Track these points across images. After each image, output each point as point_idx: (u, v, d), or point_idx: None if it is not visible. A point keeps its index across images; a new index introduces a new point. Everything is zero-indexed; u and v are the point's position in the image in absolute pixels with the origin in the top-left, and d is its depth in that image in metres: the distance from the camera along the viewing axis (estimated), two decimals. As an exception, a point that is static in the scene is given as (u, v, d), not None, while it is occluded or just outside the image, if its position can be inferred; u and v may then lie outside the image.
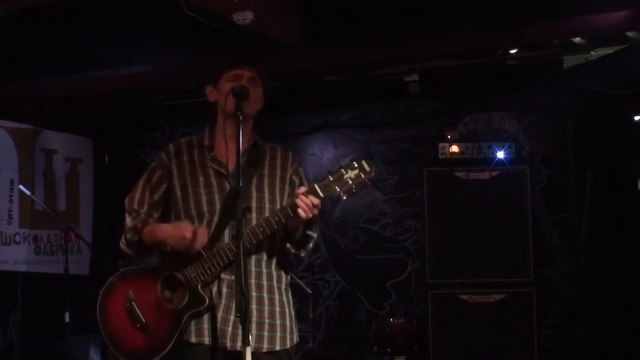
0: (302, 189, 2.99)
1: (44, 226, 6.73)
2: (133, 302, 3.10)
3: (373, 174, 2.97)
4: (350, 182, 2.95)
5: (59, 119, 6.95)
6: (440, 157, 5.89)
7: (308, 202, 2.93)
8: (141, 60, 6.02)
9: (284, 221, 2.98)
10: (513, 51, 6.02)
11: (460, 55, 6.10)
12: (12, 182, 6.57)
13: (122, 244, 3.22)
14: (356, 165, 2.95)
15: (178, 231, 3.01)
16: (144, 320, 3.08)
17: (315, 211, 2.97)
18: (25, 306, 6.61)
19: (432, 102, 6.66)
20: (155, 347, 3.05)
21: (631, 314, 5.50)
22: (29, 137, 6.76)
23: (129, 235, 3.17)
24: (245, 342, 2.75)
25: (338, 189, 2.95)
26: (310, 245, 3.17)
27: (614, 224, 5.82)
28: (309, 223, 3.05)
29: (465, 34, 5.39)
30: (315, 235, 3.16)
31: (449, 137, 5.96)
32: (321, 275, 6.76)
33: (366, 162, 2.96)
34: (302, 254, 3.16)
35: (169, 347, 3.03)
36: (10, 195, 6.57)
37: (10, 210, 6.58)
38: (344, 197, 2.99)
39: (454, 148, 5.87)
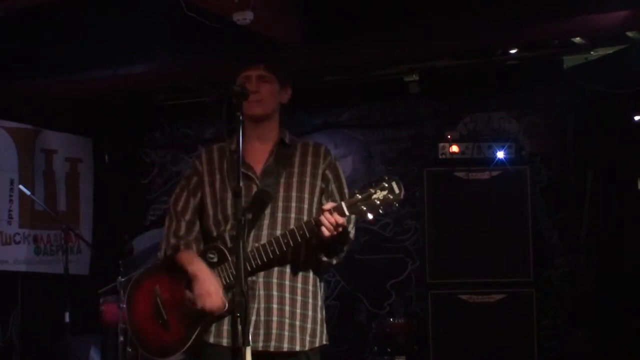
0: (328, 205, 2.92)
1: (44, 226, 6.73)
2: (158, 298, 3.12)
3: (402, 197, 2.91)
4: (378, 202, 2.89)
5: (59, 119, 6.95)
6: (440, 157, 5.88)
7: (332, 220, 2.89)
8: (141, 60, 6.02)
9: (308, 235, 2.96)
10: (513, 51, 6.02)
11: (460, 55, 6.09)
12: (12, 182, 6.57)
13: (160, 256, 3.25)
14: (386, 185, 2.90)
15: (203, 287, 3.02)
16: (165, 317, 3.10)
17: (340, 229, 2.91)
18: (25, 306, 6.61)
19: (432, 102, 6.66)
20: (174, 345, 3.08)
21: (631, 314, 5.50)
22: (29, 137, 6.76)
23: (169, 252, 3.19)
24: (245, 342, 2.75)
25: (365, 209, 2.89)
26: (342, 255, 3.12)
27: (614, 224, 5.82)
28: (342, 235, 2.99)
29: (465, 34, 5.39)
30: (348, 244, 3.11)
31: (449, 137, 5.96)
32: (321, 275, 6.76)
33: (396, 183, 2.91)
34: (334, 262, 3.12)
35: (186, 347, 3.05)
36: (10, 195, 6.57)
37: (10, 210, 6.58)
38: (370, 217, 2.94)
39: (454, 148, 5.86)
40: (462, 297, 5.70)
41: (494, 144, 5.82)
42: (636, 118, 5.68)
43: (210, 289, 3.01)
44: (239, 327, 2.85)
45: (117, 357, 5.52)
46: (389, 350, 5.85)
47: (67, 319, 5.61)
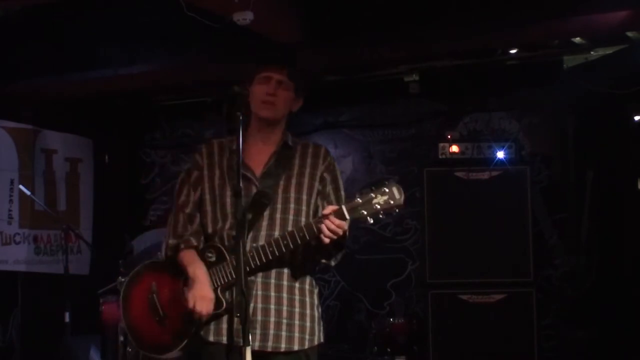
0: (329, 209, 2.92)
1: (44, 226, 6.73)
2: (155, 295, 3.12)
3: (402, 202, 2.91)
4: (379, 207, 2.90)
5: (59, 119, 6.95)
6: (440, 157, 5.88)
7: (332, 226, 2.90)
8: (141, 60, 6.02)
9: (307, 238, 2.95)
10: (513, 51, 6.03)
11: (460, 55, 6.10)
12: (12, 182, 6.57)
13: (161, 256, 3.25)
14: (387, 190, 2.90)
15: (201, 290, 3.02)
16: (162, 314, 3.10)
17: (340, 232, 2.92)
18: (25, 306, 6.61)
19: (432, 102, 6.66)
20: (169, 342, 3.08)
21: (631, 314, 5.50)
22: (29, 137, 6.76)
23: (169, 253, 3.18)
24: (246, 342, 2.75)
25: (365, 213, 2.91)
26: (340, 256, 3.13)
27: (614, 224, 5.82)
28: (341, 238, 2.99)
29: (465, 34, 5.39)
30: (345, 246, 3.11)
31: (449, 137, 5.96)
32: (321, 275, 6.75)
33: (397, 189, 2.91)
34: (332, 263, 3.14)
35: (182, 345, 3.05)
36: (10, 195, 6.57)
37: (10, 210, 6.58)
38: (371, 221, 2.94)
39: (454, 148, 5.86)
40: (462, 297, 5.70)
41: (494, 144, 5.82)
42: (636, 118, 5.68)
43: (205, 294, 3.02)
44: (239, 327, 2.84)
45: (117, 357, 5.52)
46: (389, 350, 5.85)
47: (67, 319, 5.62)
